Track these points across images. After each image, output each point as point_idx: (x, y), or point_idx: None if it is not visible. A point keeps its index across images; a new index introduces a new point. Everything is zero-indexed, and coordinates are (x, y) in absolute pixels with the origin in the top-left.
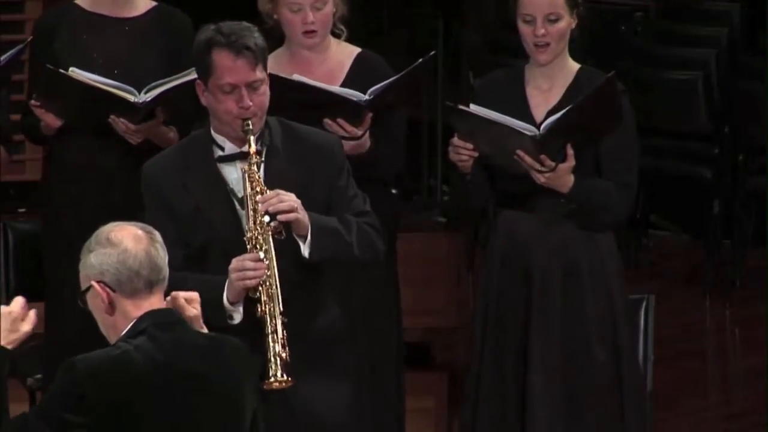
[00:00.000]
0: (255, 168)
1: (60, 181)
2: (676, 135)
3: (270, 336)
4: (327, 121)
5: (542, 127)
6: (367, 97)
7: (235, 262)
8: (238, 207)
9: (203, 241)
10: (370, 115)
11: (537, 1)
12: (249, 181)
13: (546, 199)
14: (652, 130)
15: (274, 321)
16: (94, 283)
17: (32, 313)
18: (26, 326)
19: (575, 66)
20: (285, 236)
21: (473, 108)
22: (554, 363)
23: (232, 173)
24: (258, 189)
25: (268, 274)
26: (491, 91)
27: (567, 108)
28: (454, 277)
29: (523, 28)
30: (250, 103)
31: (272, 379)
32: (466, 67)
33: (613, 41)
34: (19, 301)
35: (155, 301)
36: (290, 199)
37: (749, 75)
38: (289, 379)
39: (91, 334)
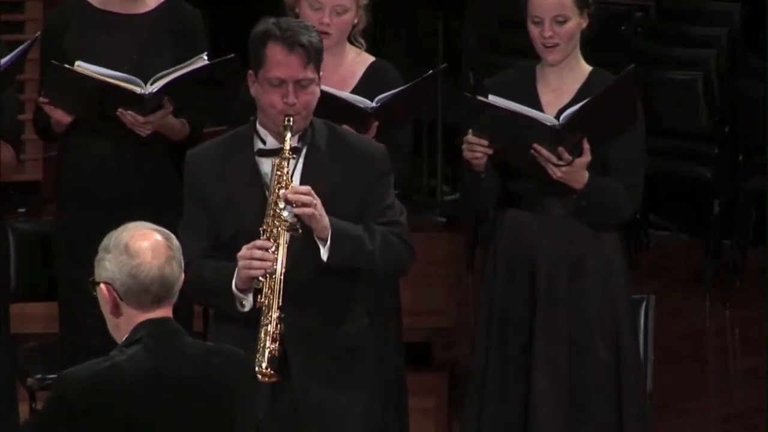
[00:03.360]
0: (285, 164)
1: (70, 180)
2: (676, 135)
3: (263, 328)
4: None
5: (562, 117)
6: (373, 104)
7: (243, 250)
8: (270, 200)
9: (233, 231)
10: (376, 123)
11: (545, 3)
12: (276, 175)
13: (554, 198)
14: (652, 130)
15: (270, 314)
16: (103, 285)
17: None
18: None
19: (587, 67)
20: (300, 233)
21: (492, 98)
22: (559, 362)
23: (269, 167)
24: (284, 184)
25: (274, 267)
26: (502, 90)
27: (586, 99)
28: (454, 277)
29: (532, 29)
30: (295, 101)
31: (256, 370)
32: (466, 67)
33: (613, 41)
34: None
35: (160, 314)
36: (313, 195)
37: (749, 75)
38: (273, 373)
39: (106, 335)
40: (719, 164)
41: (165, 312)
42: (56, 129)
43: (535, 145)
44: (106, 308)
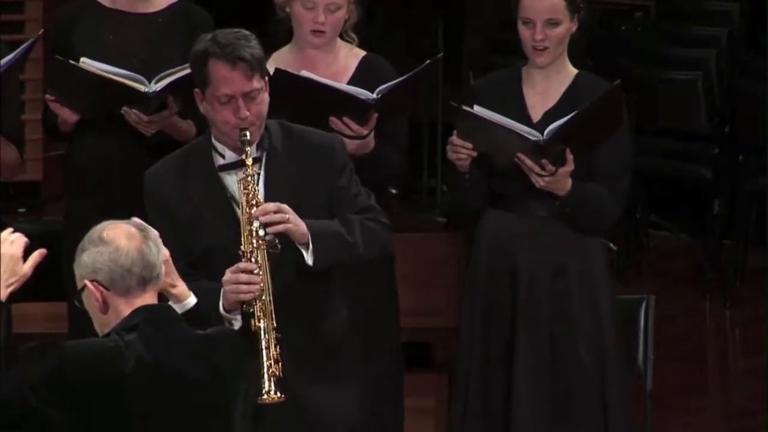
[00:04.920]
0: (251, 180)
1: (76, 179)
2: (676, 135)
3: (263, 352)
4: (333, 119)
5: (546, 132)
6: (374, 96)
7: (228, 274)
8: (238, 213)
9: (206, 247)
10: (376, 114)
11: (537, 6)
12: (244, 193)
13: (538, 201)
14: (652, 130)
15: (267, 336)
16: (87, 282)
17: (36, 254)
18: (26, 267)
19: (573, 70)
20: (280, 250)
21: (477, 109)
22: (540, 364)
23: (233, 181)
24: (254, 202)
25: (262, 288)
26: (489, 91)
27: (572, 114)
28: (454, 277)
29: (523, 31)
30: (247, 114)
31: (265, 396)
32: (467, 68)
33: (613, 41)
34: (18, 241)
35: (148, 299)
36: (283, 209)
37: (749, 75)
38: (282, 396)
39: None
40: (719, 164)
41: (152, 297)
42: (63, 128)
43: (519, 155)
44: (94, 307)
